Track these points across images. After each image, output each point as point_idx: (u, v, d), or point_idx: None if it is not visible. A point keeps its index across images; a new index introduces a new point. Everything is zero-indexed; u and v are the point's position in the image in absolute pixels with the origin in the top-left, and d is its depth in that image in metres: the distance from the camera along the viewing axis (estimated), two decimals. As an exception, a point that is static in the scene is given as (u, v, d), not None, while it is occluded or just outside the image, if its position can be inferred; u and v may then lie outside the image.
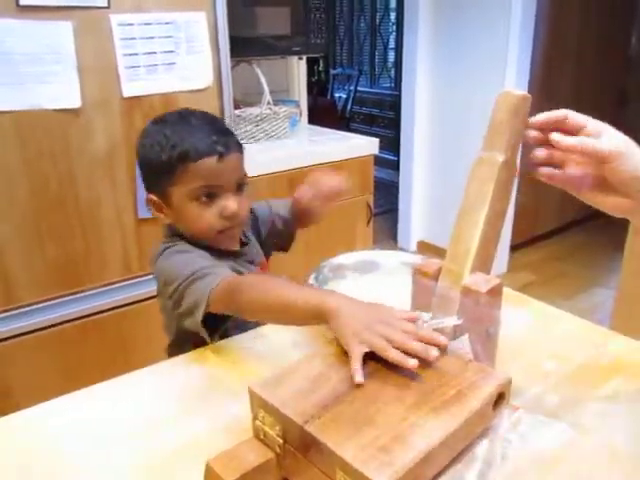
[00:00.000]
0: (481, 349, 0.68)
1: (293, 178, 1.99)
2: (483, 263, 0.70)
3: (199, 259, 0.89)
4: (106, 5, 1.43)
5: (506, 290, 1.11)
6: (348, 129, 4.25)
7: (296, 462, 0.57)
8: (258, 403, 0.60)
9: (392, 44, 5.57)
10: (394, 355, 0.61)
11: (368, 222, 2.22)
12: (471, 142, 3.06)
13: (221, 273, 0.85)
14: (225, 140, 0.90)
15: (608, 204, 0.70)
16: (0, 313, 1.47)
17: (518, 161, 0.71)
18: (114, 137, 1.52)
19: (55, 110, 1.42)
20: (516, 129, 0.69)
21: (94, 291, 1.60)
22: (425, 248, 3.41)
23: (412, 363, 0.60)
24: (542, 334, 0.95)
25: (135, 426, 0.74)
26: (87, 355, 1.61)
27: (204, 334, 0.87)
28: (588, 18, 3.23)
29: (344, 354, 0.66)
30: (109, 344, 1.66)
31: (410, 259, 1.08)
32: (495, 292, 0.68)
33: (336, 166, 2.09)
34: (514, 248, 3.22)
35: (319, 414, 0.56)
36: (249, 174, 0.99)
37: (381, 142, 2.28)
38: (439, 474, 0.56)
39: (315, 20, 2.17)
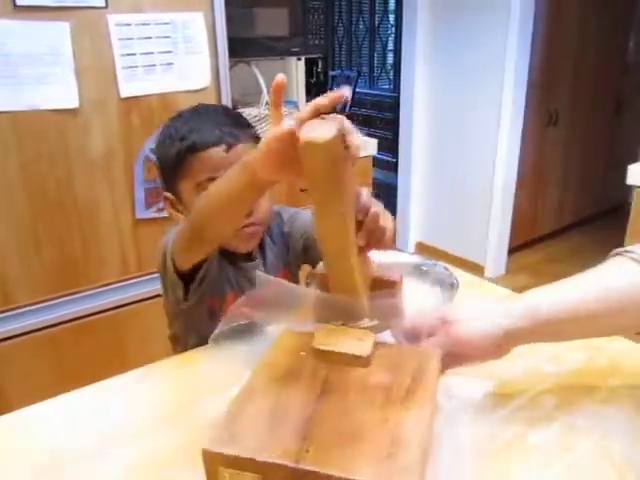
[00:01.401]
0: (404, 332, 0.69)
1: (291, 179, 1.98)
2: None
3: None
4: (103, 5, 1.42)
5: (505, 292, 1.11)
6: (347, 130, 4.24)
7: None
8: (221, 463, 0.51)
9: (391, 46, 5.57)
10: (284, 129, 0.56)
11: (366, 223, 2.21)
12: (469, 144, 3.09)
13: None
14: (235, 131, 0.86)
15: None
16: (-3, 314, 1.47)
17: None
18: (112, 137, 1.52)
19: (53, 111, 1.42)
20: (339, 176, 0.60)
21: (92, 292, 1.59)
22: (423, 249, 3.41)
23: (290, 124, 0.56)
24: (540, 335, 0.94)
25: (130, 427, 0.74)
26: (85, 356, 1.60)
27: (180, 290, 0.86)
28: (587, 23, 3.23)
29: (285, 373, 0.62)
30: (107, 345, 1.65)
31: (406, 259, 1.08)
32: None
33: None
34: (512, 250, 3.22)
35: (304, 446, 0.51)
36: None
37: (380, 143, 2.28)
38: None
39: (314, 21, 2.16)
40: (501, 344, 0.69)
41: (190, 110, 0.91)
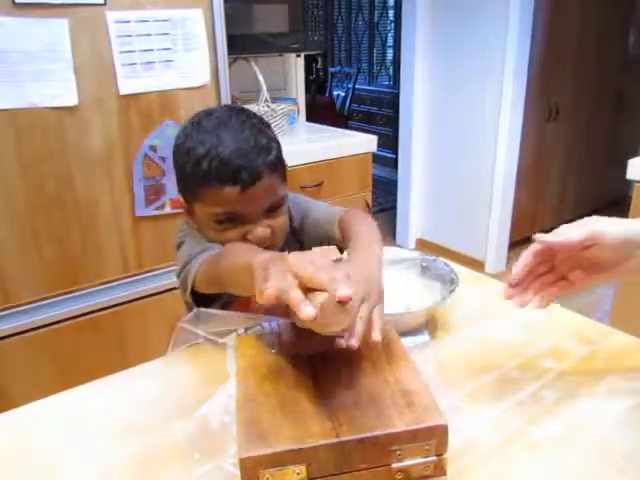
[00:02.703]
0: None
1: (291, 176, 1.98)
2: None
3: (203, 241, 0.87)
4: (102, 2, 1.42)
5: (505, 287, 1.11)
6: (347, 127, 4.25)
7: None
8: (262, 465, 0.52)
9: (390, 42, 5.56)
10: (293, 297, 0.51)
11: (366, 220, 2.22)
12: (469, 139, 3.08)
13: (214, 250, 0.82)
14: (254, 166, 0.80)
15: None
16: (-3, 312, 1.47)
17: None
18: (111, 135, 1.52)
19: (52, 108, 1.41)
20: None
21: (91, 289, 1.60)
22: (424, 246, 3.41)
23: (308, 312, 0.50)
24: (540, 330, 0.94)
25: (130, 424, 0.74)
26: (85, 353, 1.60)
27: (194, 306, 0.84)
28: (587, 18, 3.22)
29: (270, 371, 0.64)
30: (107, 342, 1.65)
31: (406, 255, 1.08)
32: None
33: (334, 163, 2.09)
34: (512, 246, 3.22)
35: (335, 424, 0.55)
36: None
37: (380, 140, 2.28)
38: None
39: (313, 17, 2.16)
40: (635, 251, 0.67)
41: (213, 120, 0.85)
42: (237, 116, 0.86)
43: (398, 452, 0.54)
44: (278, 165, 0.86)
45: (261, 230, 0.84)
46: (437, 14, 3.03)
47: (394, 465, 0.54)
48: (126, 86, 1.51)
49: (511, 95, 2.80)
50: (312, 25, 2.16)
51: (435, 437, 0.54)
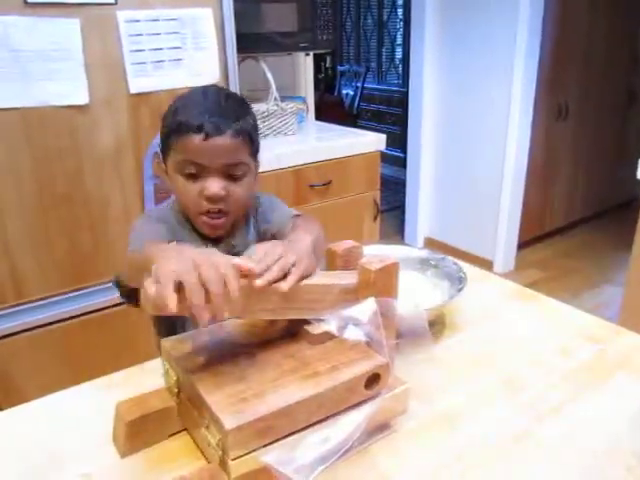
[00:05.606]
0: (374, 330, 0.69)
1: (300, 174, 1.99)
2: None
3: (145, 235, 0.92)
4: (113, 2, 1.43)
5: (514, 286, 1.11)
6: (356, 126, 4.25)
7: (186, 410, 0.66)
8: (164, 355, 0.71)
9: (399, 40, 5.55)
10: (196, 302, 0.58)
11: (375, 218, 2.22)
12: (478, 139, 3.07)
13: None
14: (220, 121, 0.88)
15: None
16: (9, 308, 1.48)
17: None
18: (121, 133, 1.53)
19: (63, 107, 1.43)
20: None
21: (102, 286, 1.61)
22: (432, 245, 3.40)
23: (204, 320, 0.58)
24: (549, 329, 0.94)
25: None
26: (95, 350, 1.62)
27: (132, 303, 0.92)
28: (596, 18, 3.20)
29: (254, 325, 0.74)
30: (117, 339, 1.66)
31: (415, 253, 1.08)
32: (387, 271, 0.70)
33: (343, 162, 2.09)
34: (522, 246, 3.21)
35: (206, 368, 0.65)
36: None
37: (388, 139, 2.28)
38: (301, 430, 0.61)
39: (322, 16, 2.16)
40: None
41: (199, 90, 0.96)
42: (224, 91, 0.98)
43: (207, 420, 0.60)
44: (244, 134, 0.91)
45: (215, 187, 0.89)
46: (446, 13, 3.02)
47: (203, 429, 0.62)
48: (136, 85, 1.52)
49: (520, 94, 2.79)
50: (321, 24, 2.16)
51: (219, 434, 0.58)
